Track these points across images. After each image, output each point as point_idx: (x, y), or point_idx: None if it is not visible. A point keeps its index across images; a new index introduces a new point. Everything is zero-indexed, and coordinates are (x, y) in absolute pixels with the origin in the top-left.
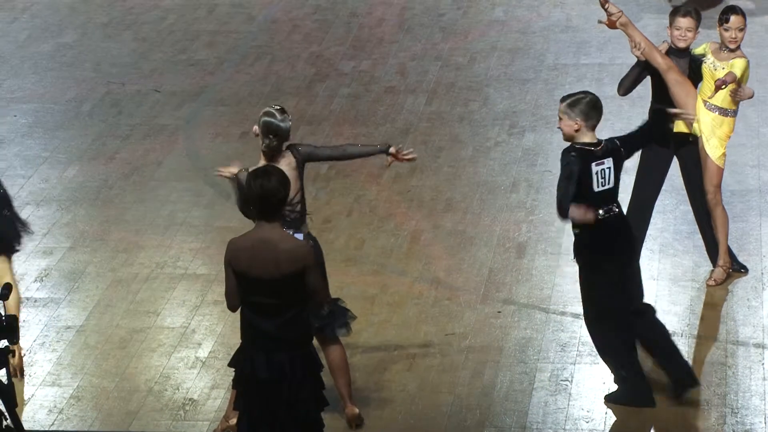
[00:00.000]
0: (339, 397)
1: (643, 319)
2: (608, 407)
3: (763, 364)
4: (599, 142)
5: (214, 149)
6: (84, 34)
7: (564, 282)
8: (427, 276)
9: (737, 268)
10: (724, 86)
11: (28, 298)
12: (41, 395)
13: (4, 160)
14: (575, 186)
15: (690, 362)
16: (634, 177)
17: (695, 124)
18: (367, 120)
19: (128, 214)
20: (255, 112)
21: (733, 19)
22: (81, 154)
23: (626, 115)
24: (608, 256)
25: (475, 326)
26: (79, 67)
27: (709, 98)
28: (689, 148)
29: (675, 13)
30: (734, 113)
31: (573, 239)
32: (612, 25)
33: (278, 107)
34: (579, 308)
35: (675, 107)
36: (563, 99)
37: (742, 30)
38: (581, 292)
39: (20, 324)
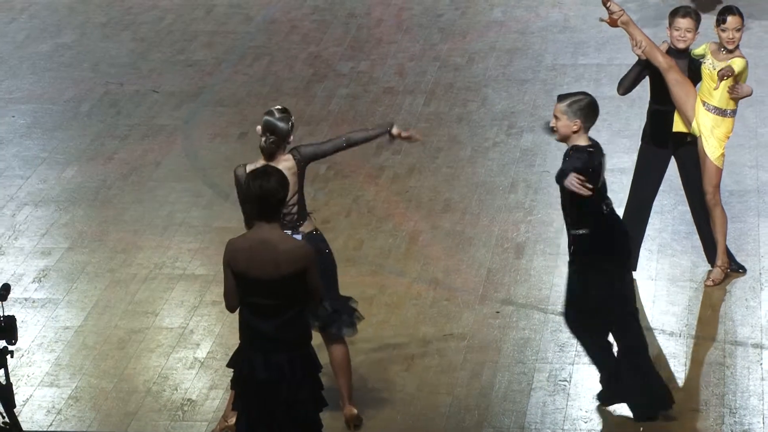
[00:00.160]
0: (339, 396)
1: (631, 331)
2: (606, 407)
3: (761, 364)
4: (595, 142)
5: (212, 150)
6: (82, 34)
7: (562, 282)
8: (425, 276)
9: (735, 269)
10: (726, 77)
11: (26, 299)
12: (39, 396)
13: (2, 160)
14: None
15: (687, 363)
16: (631, 177)
17: (694, 124)
18: (366, 120)
19: (127, 214)
20: (253, 113)
21: (730, 20)
22: (79, 154)
23: (624, 115)
24: (609, 256)
25: (473, 327)
26: (77, 68)
27: (715, 89)
28: (688, 148)
29: (674, 13)
30: (733, 113)
31: (571, 239)
32: (613, 23)
33: (280, 108)
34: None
35: (674, 107)
36: (561, 98)
37: (739, 30)
38: (574, 291)
39: (18, 324)
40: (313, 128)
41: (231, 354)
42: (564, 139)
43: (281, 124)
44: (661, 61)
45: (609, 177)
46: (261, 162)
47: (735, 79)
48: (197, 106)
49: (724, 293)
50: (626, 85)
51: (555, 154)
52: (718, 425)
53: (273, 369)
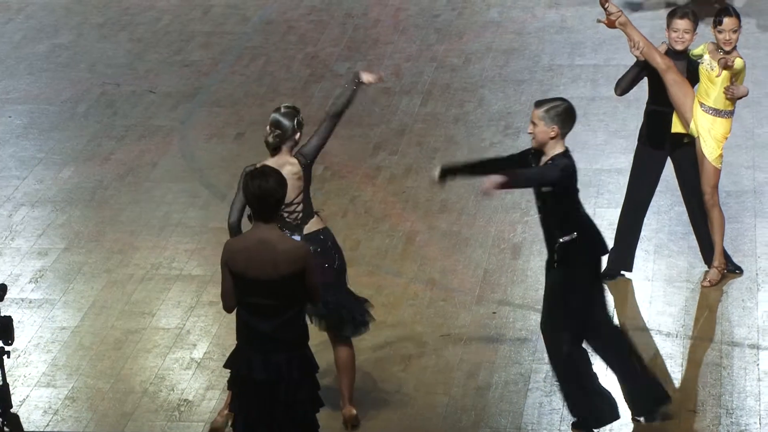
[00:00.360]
0: (340, 396)
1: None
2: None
3: (758, 364)
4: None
5: (209, 150)
6: (79, 35)
7: None
8: (422, 277)
9: (732, 269)
10: (728, 66)
11: (22, 299)
12: (36, 396)
13: None
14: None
15: (684, 364)
16: (627, 177)
17: (692, 125)
18: (362, 121)
19: (123, 215)
20: (250, 113)
21: (727, 21)
22: (76, 155)
23: (621, 116)
24: (593, 262)
25: (470, 327)
26: (74, 68)
27: (717, 76)
28: (685, 149)
29: (672, 15)
30: (730, 114)
31: (557, 248)
32: (611, 24)
33: (288, 105)
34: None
35: (672, 107)
36: (538, 104)
37: (736, 32)
38: (557, 300)
39: (15, 325)
40: (310, 129)
41: (227, 354)
42: (540, 145)
43: (285, 120)
44: (660, 61)
45: (606, 177)
46: (269, 160)
47: (732, 80)
48: (194, 107)
49: (721, 294)
50: (624, 86)
51: None
52: (714, 426)
53: (271, 369)
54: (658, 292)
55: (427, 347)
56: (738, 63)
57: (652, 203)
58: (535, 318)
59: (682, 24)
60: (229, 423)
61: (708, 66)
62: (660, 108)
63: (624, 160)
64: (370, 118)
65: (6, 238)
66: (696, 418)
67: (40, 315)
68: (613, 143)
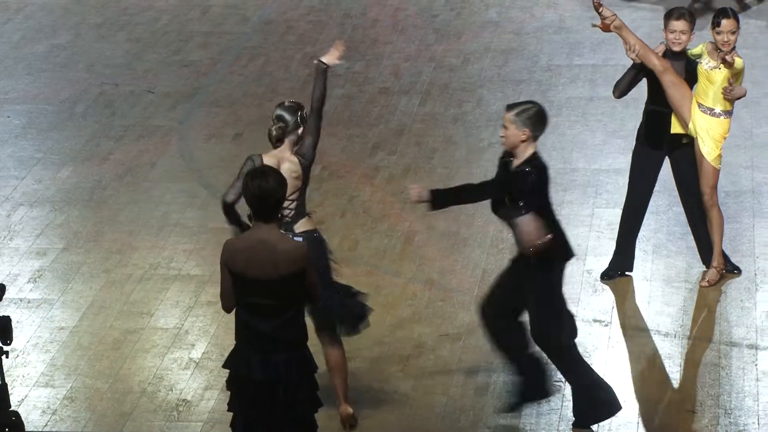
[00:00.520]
0: (335, 396)
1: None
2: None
3: (756, 365)
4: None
5: (207, 150)
6: (78, 35)
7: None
8: (420, 277)
9: (730, 270)
10: (726, 61)
11: (21, 299)
12: (34, 396)
13: None
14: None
15: (683, 364)
16: (626, 177)
17: (691, 126)
18: (361, 121)
19: (122, 215)
20: (249, 114)
21: (725, 23)
22: (74, 155)
23: (619, 116)
24: (566, 258)
25: (468, 327)
26: (72, 68)
27: (722, 63)
28: (683, 149)
29: (669, 15)
30: (729, 114)
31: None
32: (606, 28)
33: (293, 100)
34: (573, 309)
35: (671, 109)
36: (509, 107)
37: (734, 33)
38: (539, 298)
39: (13, 325)
40: None
41: (226, 354)
42: (512, 148)
43: (287, 114)
44: (656, 63)
45: (604, 177)
46: (271, 152)
47: (730, 80)
48: (192, 107)
49: (720, 294)
50: (622, 89)
51: (550, 154)
52: (713, 426)
53: (271, 369)
54: (656, 292)
55: (425, 347)
56: (738, 63)
57: (651, 203)
58: None
59: (678, 25)
60: None
61: (707, 66)
62: (659, 108)
63: (623, 160)
64: (368, 118)
65: (4, 238)
66: (694, 419)
67: (39, 315)
68: (612, 143)
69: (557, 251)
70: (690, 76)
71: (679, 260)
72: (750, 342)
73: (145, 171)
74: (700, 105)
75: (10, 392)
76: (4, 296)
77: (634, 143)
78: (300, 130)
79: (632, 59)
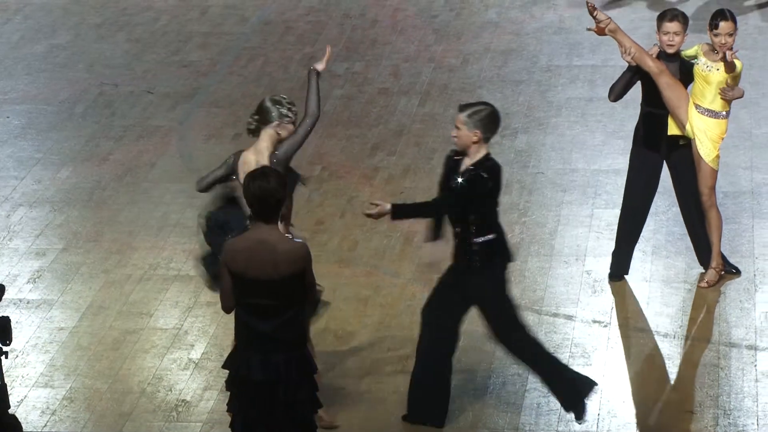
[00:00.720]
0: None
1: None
2: (600, 407)
3: (755, 365)
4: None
5: (207, 151)
6: (77, 35)
7: (556, 284)
8: (420, 277)
9: (729, 270)
10: (731, 58)
11: (20, 300)
12: (34, 396)
13: None
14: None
15: (682, 365)
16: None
17: (688, 127)
18: (360, 121)
19: (121, 215)
20: (248, 114)
21: (723, 25)
22: (74, 155)
23: (619, 116)
24: (509, 258)
25: (467, 328)
26: (72, 69)
27: (721, 58)
28: (681, 150)
29: (662, 17)
30: (726, 115)
31: (475, 248)
32: (601, 32)
33: (285, 96)
34: (572, 310)
35: (667, 110)
36: (462, 108)
37: (732, 35)
38: (499, 300)
39: (13, 325)
40: None
41: (225, 355)
42: (464, 148)
43: (267, 105)
44: (652, 65)
45: (604, 178)
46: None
47: (728, 81)
48: (192, 107)
49: (719, 295)
50: (617, 91)
51: (549, 155)
52: (712, 426)
53: (270, 370)
54: (655, 293)
55: None
56: (737, 64)
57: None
58: (533, 319)
59: (672, 27)
60: None
61: (704, 67)
62: (655, 110)
63: (622, 161)
64: (368, 118)
65: (4, 239)
66: (693, 419)
67: (38, 315)
68: (611, 144)
69: (501, 253)
70: (685, 78)
71: (679, 261)
72: (749, 343)
73: (145, 171)
74: (697, 106)
75: (9, 392)
76: (4, 297)
77: (631, 145)
78: (276, 125)
79: (627, 62)
